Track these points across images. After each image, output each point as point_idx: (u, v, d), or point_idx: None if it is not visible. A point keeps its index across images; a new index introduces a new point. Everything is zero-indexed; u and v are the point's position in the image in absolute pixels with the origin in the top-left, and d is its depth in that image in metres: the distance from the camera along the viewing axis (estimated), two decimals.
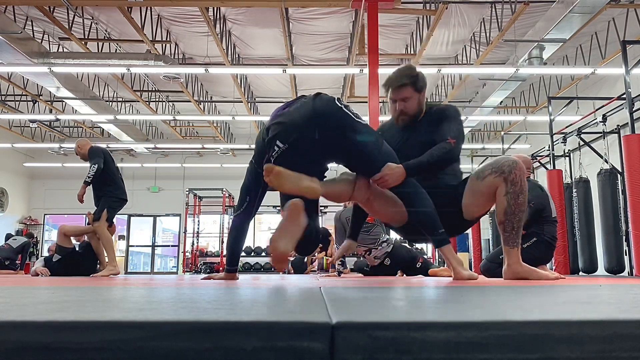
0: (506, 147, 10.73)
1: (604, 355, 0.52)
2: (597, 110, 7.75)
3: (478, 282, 2.14)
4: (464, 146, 2.74)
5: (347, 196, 2.65)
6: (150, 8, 8.89)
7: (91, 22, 9.26)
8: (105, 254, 5.37)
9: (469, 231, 12.65)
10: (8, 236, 11.00)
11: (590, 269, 7.50)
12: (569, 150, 8.97)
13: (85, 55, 9.19)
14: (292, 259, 12.20)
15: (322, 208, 15.78)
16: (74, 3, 8.03)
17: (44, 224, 16.80)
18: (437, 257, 15.44)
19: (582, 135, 7.81)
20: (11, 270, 9.75)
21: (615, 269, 6.88)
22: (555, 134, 8.16)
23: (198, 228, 15.74)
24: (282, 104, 2.56)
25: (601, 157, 7.26)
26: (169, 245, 17.32)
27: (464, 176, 2.77)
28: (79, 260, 5.48)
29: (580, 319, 0.55)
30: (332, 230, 7.46)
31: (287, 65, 10.15)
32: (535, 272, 2.47)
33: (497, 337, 0.52)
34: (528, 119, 12.57)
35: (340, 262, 6.58)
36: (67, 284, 2.01)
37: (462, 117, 13.65)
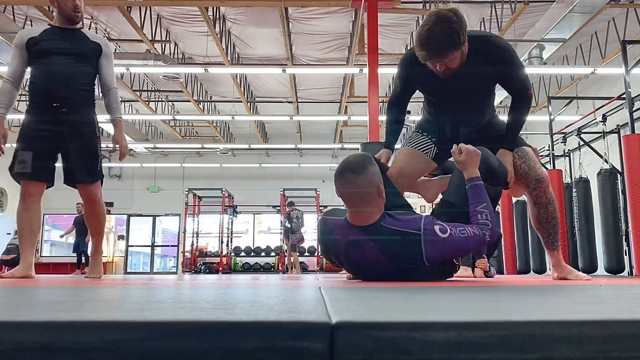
0: None
1: (604, 355, 0.52)
2: (597, 110, 7.75)
3: (478, 282, 2.15)
4: None
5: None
6: (150, 8, 8.89)
7: (90, 22, 9.26)
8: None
9: None
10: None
11: (590, 269, 7.50)
12: (569, 150, 8.98)
13: None
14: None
15: (322, 208, 15.78)
16: None
17: (43, 224, 16.79)
18: None
19: (582, 135, 7.81)
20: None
21: (615, 269, 6.88)
22: (555, 133, 8.17)
23: (197, 228, 15.75)
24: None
25: (601, 157, 7.26)
26: (168, 245, 17.32)
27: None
28: None
29: (580, 319, 0.55)
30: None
31: (286, 65, 10.15)
32: (572, 272, 2.63)
33: (497, 337, 0.52)
34: (528, 118, 12.56)
35: None
36: (67, 284, 2.01)
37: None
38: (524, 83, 2.47)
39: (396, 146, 2.78)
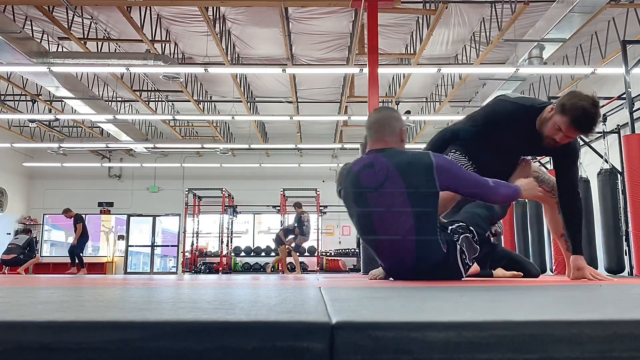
0: None
1: (604, 355, 0.52)
2: None
3: (478, 282, 2.14)
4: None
5: None
6: (150, 8, 8.88)
7: (90, 22, 9.26)
8: None
9: None
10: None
11: None
12: None
13: (84, 54, 9.18)
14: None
15: (322, 208, 15.78)
16: (73, 3, 8.03)
17: (43, 224, 16.79)
18: None
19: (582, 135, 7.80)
20: (30, 259, 11.00)
21: (615, 269, 6.89)
22: None
23: (197, 228, 15.75)
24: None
25: (601, 157, 7.26)
26: (168, 245, 17.32)
27: None
28: None
29: (580, 319, 0.55)
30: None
31: (286, 65, 10.15)
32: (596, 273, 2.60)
33: (497, 337, 0.52)
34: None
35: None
36: (67, 284, 2.01)
37: (461, 117, 13.72)
38: (574, 182, 2.70)
39: None
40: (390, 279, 2.71)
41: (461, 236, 2.36)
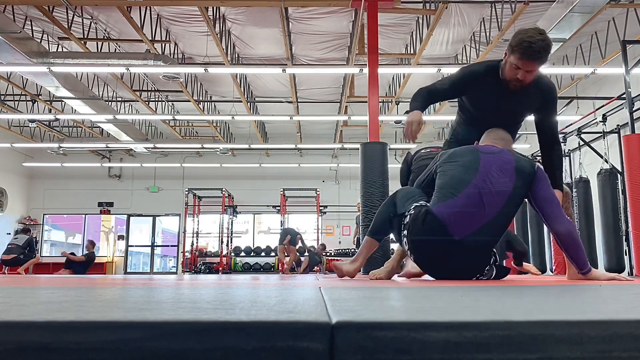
0: None
1: (604, 355, 0.52)
2: (597, 110, 7.76)
3: (478, 282, 2.15)
4: None
5: None
6: (150, 8, 8.88)
7: (90, 22, 9.26)
8: None
9: None
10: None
11: None
12: (569, 150, 8.98)
13: (84, 54, 9.18)
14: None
15: (322, 208, 15.79)
16: (73, 3, 8.02)
17: (43, 224, 16.79)
18: None
19: (582, 135, 7.81)
20: (30, 259, 11.01)
21: (615, 269, 6.89)
22: None
23: (197, 228, 15.75)
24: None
25: (601, 157, 7.26)
26: (168, 245, 17.31)
27: None
28: None
29: (580, 319, 0.55)
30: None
31: (286, 65, 10.15)
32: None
33: (497, 337, 0.52)
34: (528, 118, 12.53)
35: None
36: (67, 284, 2.01)
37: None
38: (555, 128, 2.83)
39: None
40: (394, 277, 2.73)
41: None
